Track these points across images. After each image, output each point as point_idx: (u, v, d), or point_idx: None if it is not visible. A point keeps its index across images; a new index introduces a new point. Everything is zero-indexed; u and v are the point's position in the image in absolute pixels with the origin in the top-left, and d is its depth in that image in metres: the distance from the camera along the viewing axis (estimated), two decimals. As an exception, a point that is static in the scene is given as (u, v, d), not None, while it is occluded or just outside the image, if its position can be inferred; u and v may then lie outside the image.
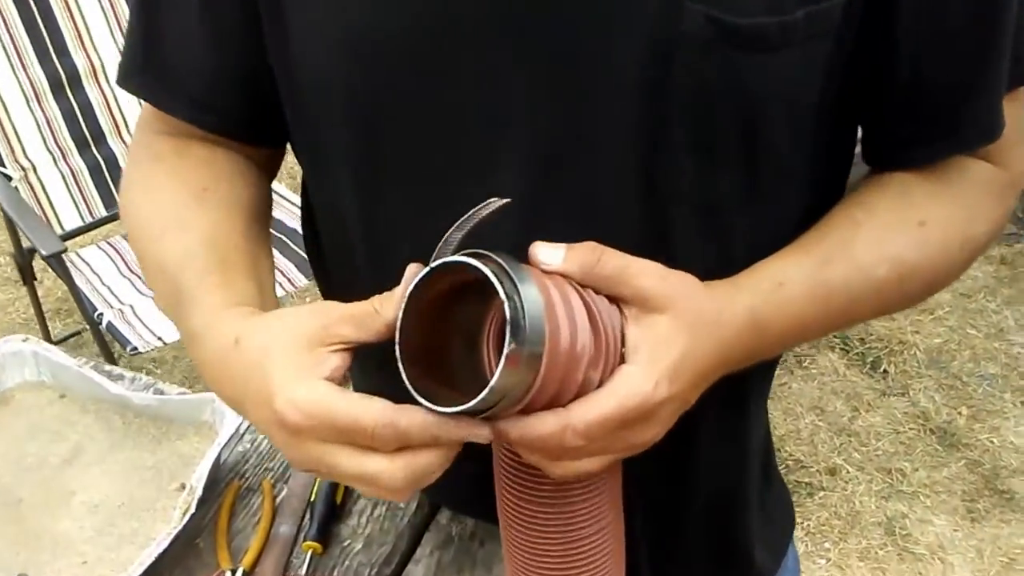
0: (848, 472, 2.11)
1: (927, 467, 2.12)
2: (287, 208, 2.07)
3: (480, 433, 0.50)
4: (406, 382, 0.49)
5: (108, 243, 2.10)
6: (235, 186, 0.70)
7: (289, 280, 1.95)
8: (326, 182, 0.68)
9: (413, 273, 0.50)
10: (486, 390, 0.45)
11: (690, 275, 0.55)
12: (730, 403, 0.70)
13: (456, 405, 0.47)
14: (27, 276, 2.03)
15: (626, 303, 0.52)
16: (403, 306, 0.49)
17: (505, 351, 0.45)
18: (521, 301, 0.46)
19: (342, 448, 0.50)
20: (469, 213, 0.49)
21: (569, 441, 0.49)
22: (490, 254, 0.48)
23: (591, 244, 0.52)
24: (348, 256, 0.69)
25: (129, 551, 0.85)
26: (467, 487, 0.56)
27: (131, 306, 1.88)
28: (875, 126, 0.64)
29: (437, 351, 0.52)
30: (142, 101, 0.73)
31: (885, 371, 2.33)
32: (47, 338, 2.34)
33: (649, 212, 0.59)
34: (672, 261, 0.55)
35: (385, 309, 0.51)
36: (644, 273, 0.52)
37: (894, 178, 0.64)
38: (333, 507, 0.89)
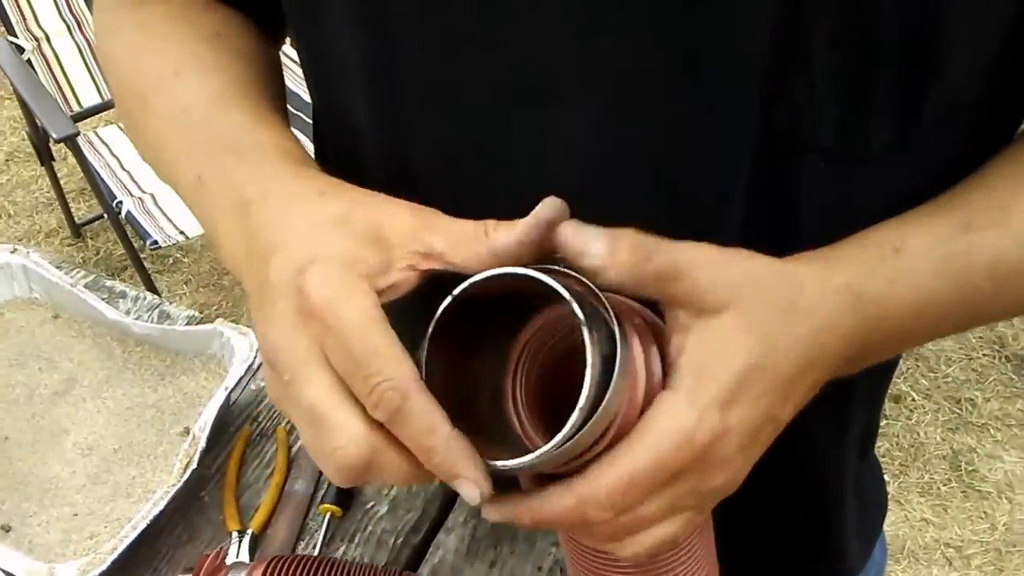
0: (913, 400, 1.97)
1: (1000, 398, 1.98)
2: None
3: (472, 494, 0.37)
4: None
5: (133, 122, 1.95)
6: (247, 40, 0.57)
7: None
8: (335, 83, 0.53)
9: (540, 216, 0.37)
10: (551, 446, 0.33)
11: (757, 254, 0.40)
12: (832, 407, 0.54)
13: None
14: (44, 156, 1.91)
15: (672, 304, 0.38)
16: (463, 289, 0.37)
17: (586, 422, 0.34)
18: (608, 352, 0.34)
19: (330, 374, 0.37)
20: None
21: (594, 516, 0.37)
22: (569, 272, 0.36)
23: (632, 233, 0.37)
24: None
25: (124, 505, 0.75)
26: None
27: (152, 195, 1.75)
28: None
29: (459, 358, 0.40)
30: None
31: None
32: (69, 220, 2.24)
33: (762, 157, 0.44)
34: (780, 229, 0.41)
35: (498, 235, 0.38)
36: (697, 264, 0.38)
37: None
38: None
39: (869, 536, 0.77)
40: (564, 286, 0.35)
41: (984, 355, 2.06)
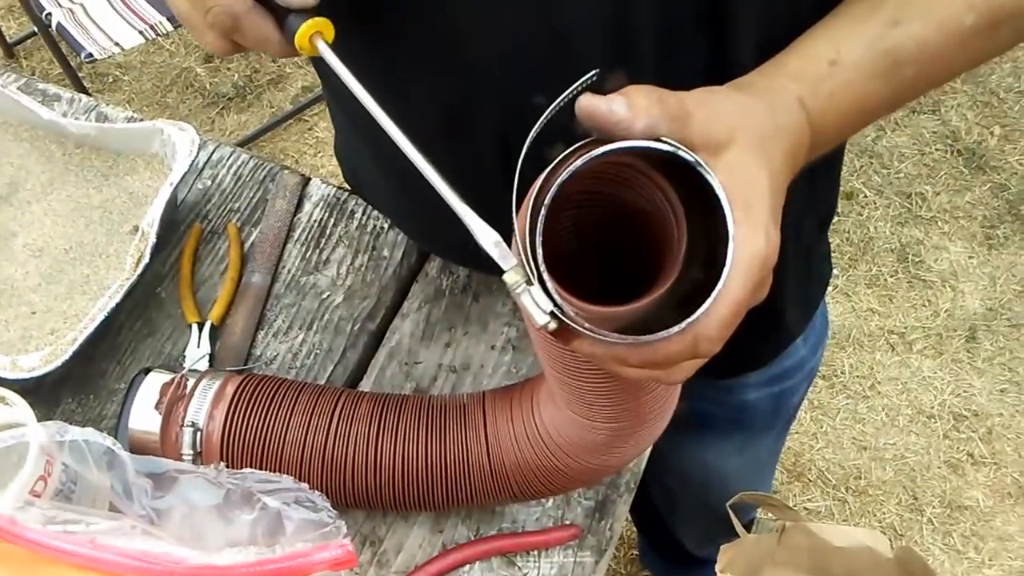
0: (865, 196, 2.01)
1: (949, 191, 2.01)
2: None
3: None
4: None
5: (56, -72, 1.82)
6: None
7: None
8: None
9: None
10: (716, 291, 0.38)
11: (733, 88, 0.45)
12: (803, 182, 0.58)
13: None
14: (-33, -32, 1.79)
15: (689, 147, 0.41)
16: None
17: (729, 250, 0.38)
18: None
19: None
20: (566, 93, 0.40)
21: (703, 350, 0.40)
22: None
23: (638, 86, 0.40)
24: None
25: (82, 301, 0.76)
26: (463, 231, 0.45)
27: (82, 4, 1.66)
28: None
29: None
30: None
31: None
32: (0, 39, 2.14)
33: None
34: None
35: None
36: (697, 103, 0.41)
37: None
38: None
39: (810, 303, 0.81)
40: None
41: (936, 149, 2.08)
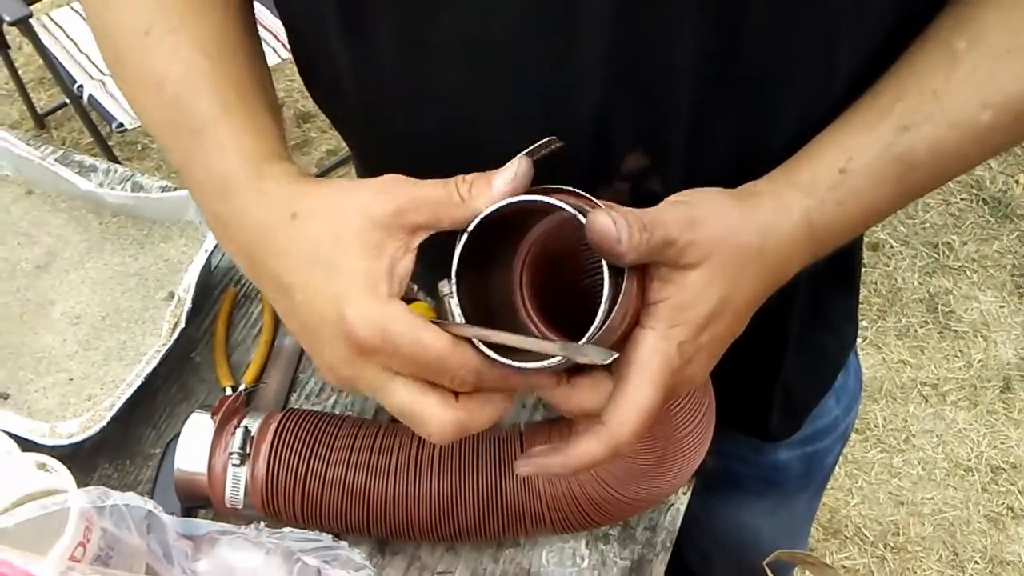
0: (891, 247, 2.00)
1: (976, 240, 2.01)
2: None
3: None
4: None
5: (89, 5, 1.88)
6: None
7: (283, 44, 1.76)
8: None
9: (519, 174, 0.43)
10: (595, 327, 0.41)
11: (734, 200, 0.47)
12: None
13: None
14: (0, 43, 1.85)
15: (659, 263, 0.45)
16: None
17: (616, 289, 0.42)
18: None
19: (405, 379, 0.44)
20: (530, 148, 0.44)
21: (626, 452, 0.45)
22: (560, 188, 0.43)
23: (633, 215, 0.42)
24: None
25: (118, 368, 0.77)
26: None
27: (112, 76, 1.71)
28: None
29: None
30: None
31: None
32: (31, 111, 2.19)
33: None
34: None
35: (476, 199, 0.43)
36: (682, 227, 0.44)
37: None
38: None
39: (828, 369, 0.80)
40: (564, 203, 0.41)
41: (962, 199, 2.08)
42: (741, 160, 0.51)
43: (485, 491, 0.62)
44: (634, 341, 0.44)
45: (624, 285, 0.42)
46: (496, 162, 0.44)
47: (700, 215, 0.45)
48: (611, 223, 0.41)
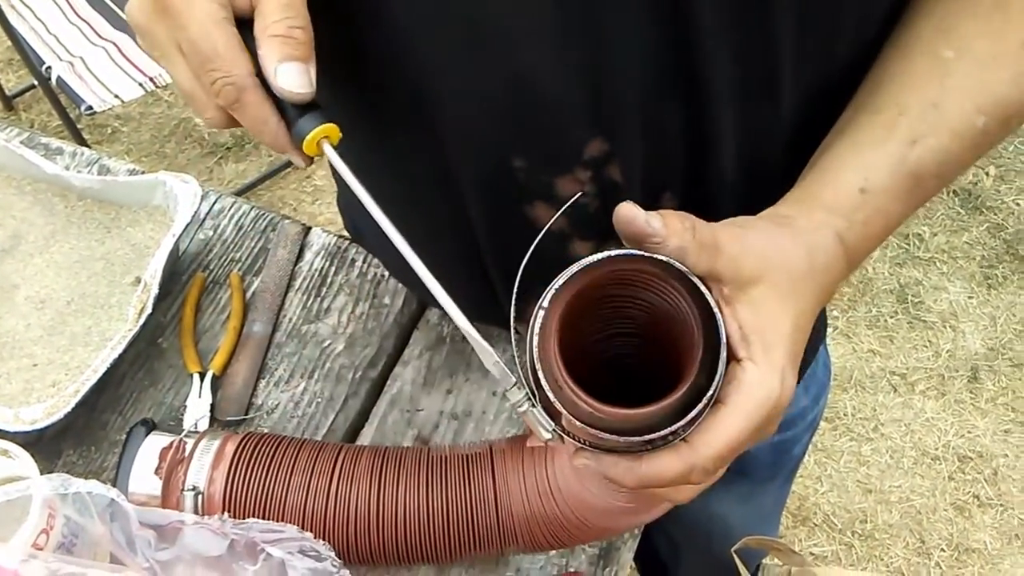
0: (863, 237, 2.02)
1: (947, 231, 2.03)
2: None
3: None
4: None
5: (55, -15, 1.85)
6: None
7: None
8: None
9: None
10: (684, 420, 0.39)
11: (770, 223, 0.46)
12: None
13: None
14: (-35, 25, 1.81)
15: (716, 279, 0.43)
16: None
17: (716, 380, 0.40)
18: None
19: (185, 61, 0.45)
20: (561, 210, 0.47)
21: (695, 479, 0.42)
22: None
23: (674, 212, 0.42)
24: None
25: (83, 353, 0.76)
26: (458, 288, 0.47)
27: (82, 58, 1.68)
28: None
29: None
30: None
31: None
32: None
33: None
34: None
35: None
36: (729, 238, 0.43)
37: None
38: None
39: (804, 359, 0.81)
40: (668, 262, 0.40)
41: (932, 191, 2.10)
42: (690, 147, 0.51)
43: (454, 509, 0.60)
44: (734, 377, 0.42)
45: (718, 312, 0.40)
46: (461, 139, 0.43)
47: (741, 231, 0.44)
48: (632, 207, 0.40)
